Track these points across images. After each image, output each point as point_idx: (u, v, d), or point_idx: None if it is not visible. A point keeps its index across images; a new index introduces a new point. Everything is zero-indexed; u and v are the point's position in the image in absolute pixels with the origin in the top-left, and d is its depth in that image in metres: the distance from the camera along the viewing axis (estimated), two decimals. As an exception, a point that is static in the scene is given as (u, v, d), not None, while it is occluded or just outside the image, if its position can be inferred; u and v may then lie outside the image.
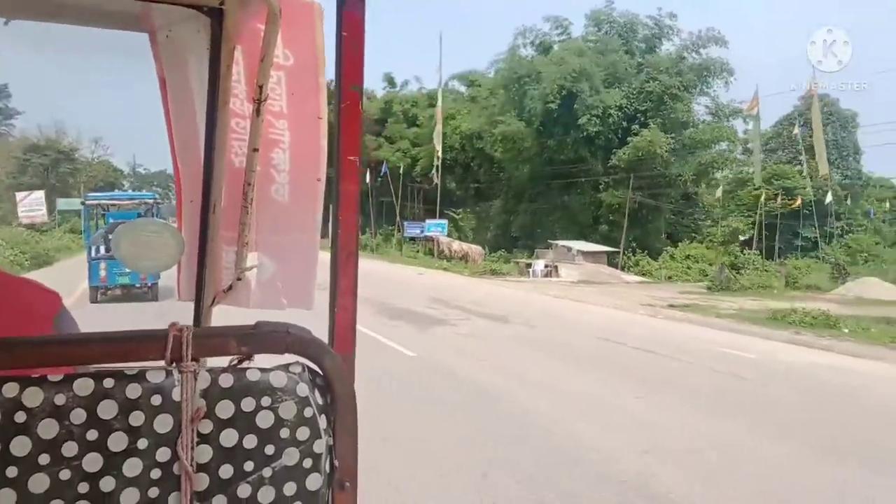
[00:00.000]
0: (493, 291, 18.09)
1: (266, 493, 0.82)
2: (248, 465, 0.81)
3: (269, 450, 0.81)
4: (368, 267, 25.09)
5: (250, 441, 0.80)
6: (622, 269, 28.08)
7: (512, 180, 34.31)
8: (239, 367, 0.83)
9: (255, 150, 1.34)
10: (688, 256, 28.98)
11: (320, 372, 0.86)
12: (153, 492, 0.77)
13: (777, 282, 22.78)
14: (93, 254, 13.13)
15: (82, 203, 17.95)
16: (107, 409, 0.75)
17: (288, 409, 0.82)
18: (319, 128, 1.35)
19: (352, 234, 0.94)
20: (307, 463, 0.83)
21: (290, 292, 1.50)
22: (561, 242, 29.19)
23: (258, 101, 1.25)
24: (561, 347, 9.44)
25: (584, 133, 29.43)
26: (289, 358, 0.86)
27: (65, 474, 0.73)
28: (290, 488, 0.83)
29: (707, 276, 25.41)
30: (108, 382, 0.75)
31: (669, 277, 26.45)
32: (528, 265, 26.89)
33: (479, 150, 35.23)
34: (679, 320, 13.46)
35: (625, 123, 29.92)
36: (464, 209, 38.82)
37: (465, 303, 14.33)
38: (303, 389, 0.83)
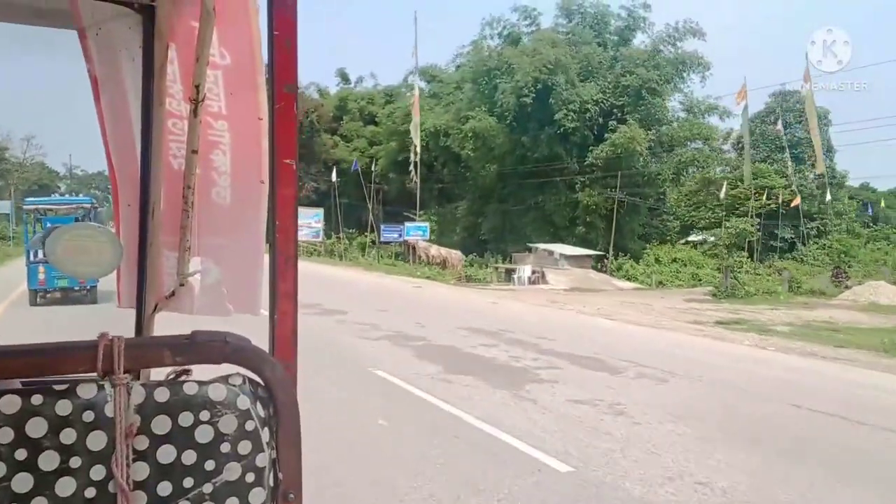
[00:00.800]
0: (512, 309, 15.94)
1: None
2: (188, 482, 0.82)
3: (210, 465, 0.83)
4: (350, 278, 24.20)
5: (189, 457, 0.82)
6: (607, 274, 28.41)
7: (480, 180, 34.54)
8: (176, 380, 0.84)
9: (195, 151, 1.40)
10: (674, 260, 29.44)
11: (262, 382, 0.88)
12: None
13: (779, 286, 22.85)
14: (31, 257, 14.34)
15: (21, 207, 20.71)
16: (36, 428, 0.75)
17: (228, 423, 0.83)
18: (260, 129, 1.41)
19: (290, 238, 0.98)
20: (250, 477, 0.85)
21: (235, 297, 1.54)
22: (542, 246, 29.21)
23: (195, 102, 1.30)
24: (749, 424, 6.34)
25: (561, 129, 29.82)
26: (228, 368, 0.88)
27: None
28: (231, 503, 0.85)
29: (699, 280, 25.69)
30: (37, 399, 0.76)
31: (661, 283, 26.52)
32: (510, 271, 26.66)
33: (444, 149, 35.33)
34: (778, 348, 11.08)
35: (601, 119, 30.46)
36: (426, 211, 38.99)
37: (513, 332, 11.62)
38: (243, 402, 0.85)
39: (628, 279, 27.50)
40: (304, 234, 36.64)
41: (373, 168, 39.53)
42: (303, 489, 0.92)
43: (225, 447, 0.83)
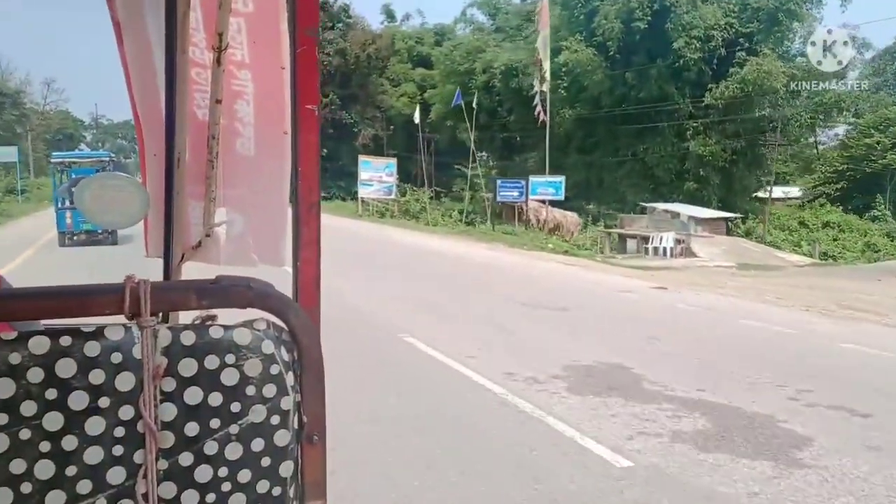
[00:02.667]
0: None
1: (233, 450, 0.99)
2: (215, 423, 0.97)
3: (236, 407, 0.97)
4: (448, 251, 20.80)
5: (215, 399, 0.96)
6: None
7: (555, 127, 34.16)
8: (202, 324, 1.00)
9: (218, 101, 1.63)
10: (827, 224, 28.01)
11: (285, 328, 1.04)
12: (117, 450, 0.92)
13: None
14: (59, 205, 19.23)
15: (48, 159, 27.61)
16: (65, 368, 0.88)
17: (253, 367, 0.98)
18: (283, 79, 1.61)
19: (313, 185, 1.15)
20: (275, 419, 1.01)
21: (261, 249, 1.78)
22: (660, 206, 27.37)
23: (218, 50, 1.52)
24: None
25: (678, 62, 28.59)
26: (254, 314, 1.03)
27: (24, 434, 0.86)
28: (257, 444, 1.01)
29: (878, 252, 23.66)
30: (66, 340, 0.88)
31: (826, 254, 24.69)
32: (645, 239, 24.14)
33: (513, 92, 34.98)
34: None
35: (723, 51, 29.30)
36: (484, 163, 39.26)
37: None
38: (268, 346, 1.00)
39: (775, 247, 25.22)
40: (373, 191, 36.92)
41: (420, 116, 40.03)
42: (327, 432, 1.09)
43: (250, 390, 0.98)
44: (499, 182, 30.01)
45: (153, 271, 1.47)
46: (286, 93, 1.66)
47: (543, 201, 28.32)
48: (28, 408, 0.87)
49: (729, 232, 27.17)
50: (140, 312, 0.93)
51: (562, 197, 28.64)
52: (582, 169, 33.43)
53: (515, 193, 28.82)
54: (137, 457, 0.93)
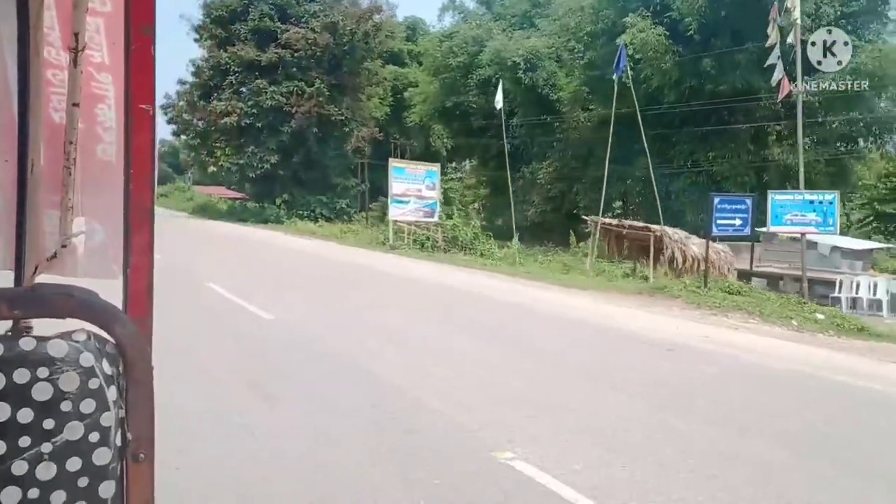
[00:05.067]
0: None
1: (46, 470, 1.13)
2: (24, 441, 1.11)
3: (49, 424, 1.12)
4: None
5: (25, 415, 1.11)
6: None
7: (573, 131, 34.23)
8: (10, 335, 1.16)
9: (76, 104, 1.93)
10: None
11: (111, 339, 1.22)
12: None
13: None
14: None
15: None
16: None
17: (69, 381, 1.13)
18: None
19: (146, 189, 1.37)
20: (94, 437, 1.18)
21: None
22: (784, 230, 22.09)
23: (75, 51, 1.83)
24: None
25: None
26: (76, 325, 1.21)
27: None
28: (74, 464, 1.16)
29: None
30: None
31: None
32: (824, 285, 21.44)
33: (525, 90, 35.64)
34: None
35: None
36: (463, 168, 40.13)
37: None
38: (87, 359, 1.16)
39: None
40: (409, 211, 32.55)
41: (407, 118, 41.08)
42: (155, 449, 1.27)
43: (66, 405, 1.13)
44: (716, 201, 21.40)
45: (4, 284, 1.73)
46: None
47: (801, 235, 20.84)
48: None
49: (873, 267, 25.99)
50: None
51: (835, 229, 21.59)
52: (616, 182, 32.81)
53: (738, 222, 21.53)
54: None
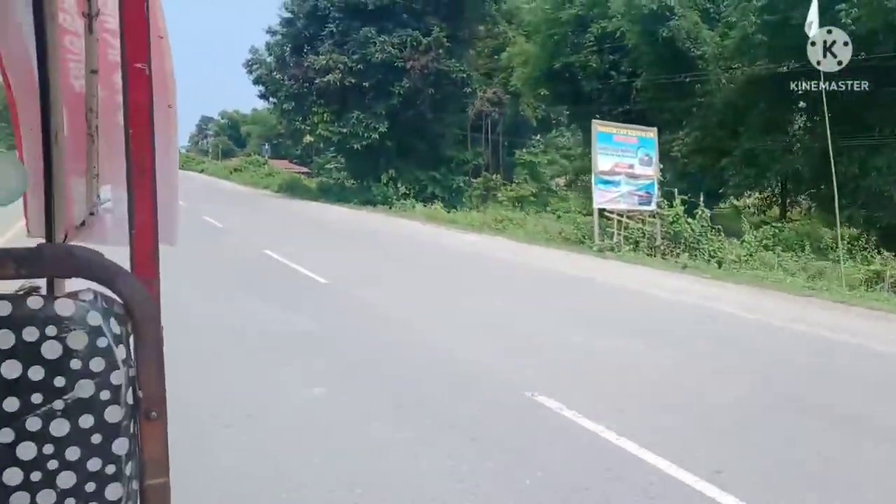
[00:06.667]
0: None
1: (59, 426, 1.32)
2: (37, 398, 1.30)
3: (60, 381, 1.30)
4: None
5: (36, 373, 1.29)
6: None
7: (720, 93, 32.92)
8: (19, 294, 1.36)
9: (94, 71, 2.28)
10: None
11: (118, 300, 1.42)
12: None
13: None
14: None
15: None
16: None
17: (77, 340, 1.31)
18: (162, 48, 2.19)
19: (146, 149, 1.55)
20: (104, 395, 1.35)
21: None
22: None
23: (89, 17, 2.16)
24: None
25: None
26: (84, 284, 1.42)
27: None
28: (86, 420, 1.34)
29: None
30: None
31: None
32: None
33: (659, 44, 34.55)
34: None
35: None
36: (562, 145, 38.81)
37: None
38: (94, 318, 1.33)
39: None
40: (619, 196, 27.89)
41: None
42: (167, 407, 1.48)
43: (75, 364, 1.31)
44: None
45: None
46: (167, 64, 2.26)
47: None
48: None
49: None
50: None
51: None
52: (781, 155, 31.70)
53: None
54: None
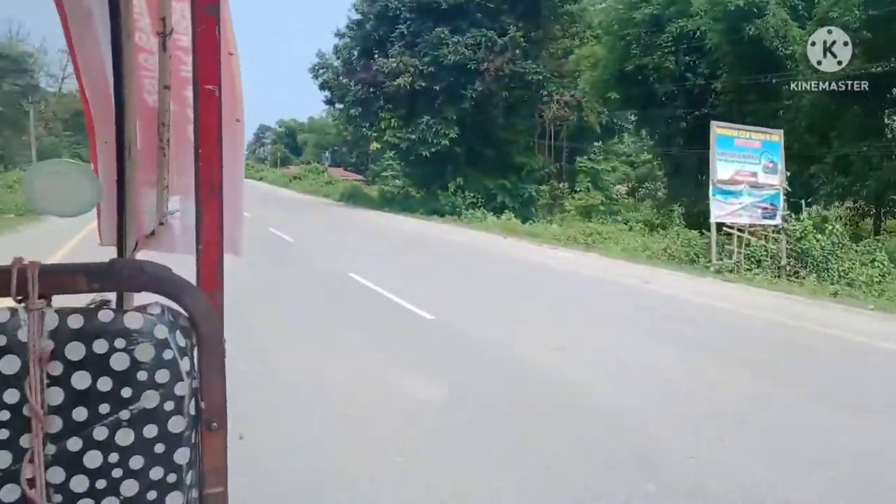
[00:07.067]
0: None
1: (125, 436, 1.41)
2: (104, 408, 1.39)
3: (126, 392, 1.40)
4: None
5: (105, 383, 1.39)
6: None
7: (810, 94, 31.87)
8: (90, 308, 1.45)
9: (167, 87, 2.43)
10: None
11: (184, 313, 1.52)
12: (2, 433, 1.31)
13: None
14: None
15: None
16: None
17: (145, 352, 1.41)
18: (232, 64, 2.34)
19: (214, 167, 1.68)
20: (169, 405, 1.45)
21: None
22: None
23: (163, 35, 2.32)
24: None
25: None
26: (152, 298, 1.52)
27: None
28: (150, 430, 1.43)
29: None
30: None
31: None
32: None
33: (750, 43, 33.71)
34: None
35: None
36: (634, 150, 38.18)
37: None
38: (161, 331, 1.45)
39: None
40: (742, 208, 25.95)
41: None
42: (227, 419, 1.60)
43: (141, 375, 1.41)
44: None
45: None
46: (236, 80, 2.44)
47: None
48: None
49: None
50: (27, 295, 1.35)
51: None
52: (882, 160, 30.79)
53: None
54: (24, 441, 1.34)
